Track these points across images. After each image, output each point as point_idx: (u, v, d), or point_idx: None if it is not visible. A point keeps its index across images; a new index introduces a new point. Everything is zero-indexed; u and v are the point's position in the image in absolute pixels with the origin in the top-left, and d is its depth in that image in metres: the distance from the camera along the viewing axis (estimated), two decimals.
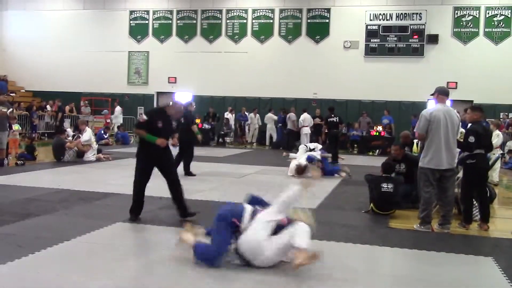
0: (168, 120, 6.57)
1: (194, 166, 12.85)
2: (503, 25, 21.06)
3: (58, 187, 8.65)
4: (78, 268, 4.38)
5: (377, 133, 18.46)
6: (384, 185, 7.17)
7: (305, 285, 4.18)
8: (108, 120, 22.21)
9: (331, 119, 15.61)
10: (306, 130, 18.51)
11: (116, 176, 10.34)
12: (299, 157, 11.90)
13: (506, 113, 20.25)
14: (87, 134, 13.02)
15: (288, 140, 19.42)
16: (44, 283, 4.02)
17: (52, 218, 6.32)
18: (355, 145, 19.90)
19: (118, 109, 22.62)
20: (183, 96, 24.00)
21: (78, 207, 7.08)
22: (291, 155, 14.16)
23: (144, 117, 6.43)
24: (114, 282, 4.06)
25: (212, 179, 10.31)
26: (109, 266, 4.44)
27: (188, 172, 10.67)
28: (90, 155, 12.98)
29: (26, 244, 5.01)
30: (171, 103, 6.68)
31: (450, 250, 5.43)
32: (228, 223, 4.62)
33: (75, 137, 13.61)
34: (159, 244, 5.30)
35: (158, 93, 25.04)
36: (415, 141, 10.44)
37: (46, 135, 20.30)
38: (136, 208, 6.41)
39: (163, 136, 6.36)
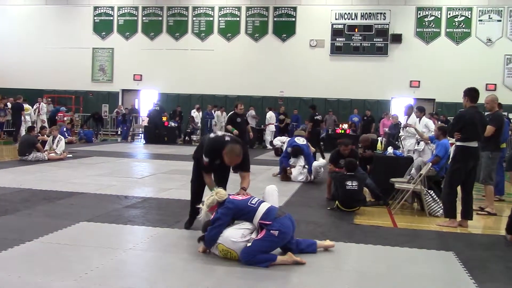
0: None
1: (160, 164, 12.80)
2: (463, 26, 21.63)
3: (20, 186, 8.45)
4: (41, 269, 4.29)
5: (343, 131, 18.68)
6: (349, 182, 7.30)
7: (271, 281, 4.22)
8: (65, 118, 21.43)
9: (317, 117, 15.77)
10: (272, 128, 18.75)
11: (80, 175, 10.16)
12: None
13: None
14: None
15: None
16: (6, 285, 3.93)
17: (13, 218, 6.17)
18: (322, 143, 20.07)
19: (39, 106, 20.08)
20: (149, 94, 23.84)
21: (41, 206, 6.93)
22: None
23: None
24: (79, 283, 4.00)
25: (179, 177, 10.24)
26: (73, 266, 4.37)
27: None
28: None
29: None
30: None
31: (413, 245, 5.57)
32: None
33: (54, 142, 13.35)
34: (124, 243, 5.24)
35: (123, 91, 24.74)
36: (379, 138, 10.65)
37: (5, 133, 19.75)
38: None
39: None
